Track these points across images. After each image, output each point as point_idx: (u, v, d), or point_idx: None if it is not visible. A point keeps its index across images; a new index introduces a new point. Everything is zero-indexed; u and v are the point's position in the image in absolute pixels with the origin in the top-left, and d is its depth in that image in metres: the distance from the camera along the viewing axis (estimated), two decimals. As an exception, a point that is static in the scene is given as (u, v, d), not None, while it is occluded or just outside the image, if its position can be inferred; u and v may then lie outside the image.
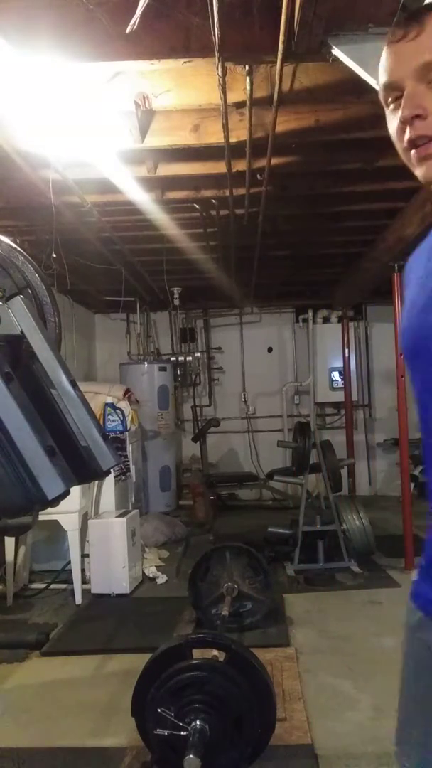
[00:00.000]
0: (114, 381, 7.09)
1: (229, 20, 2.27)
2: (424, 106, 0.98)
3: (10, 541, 4.50)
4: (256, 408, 8.60)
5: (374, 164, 3.75)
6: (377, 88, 1.09)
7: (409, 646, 1.17)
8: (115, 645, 3.86)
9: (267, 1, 2.31)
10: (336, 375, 8.13)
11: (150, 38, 2.41)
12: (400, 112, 1.01)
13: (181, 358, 8.05)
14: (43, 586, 4.79)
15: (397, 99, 1.02)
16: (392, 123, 1.06)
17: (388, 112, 1.07)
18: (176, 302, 7.33)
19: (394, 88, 1.02)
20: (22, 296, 1.61)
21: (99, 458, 1.63)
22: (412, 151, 1.02)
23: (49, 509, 1.45)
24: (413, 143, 1.01)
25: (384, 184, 4.15)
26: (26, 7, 2.34)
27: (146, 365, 7.60)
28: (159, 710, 2.22)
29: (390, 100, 1.04)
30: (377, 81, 1.08)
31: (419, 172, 1.04)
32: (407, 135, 1.01)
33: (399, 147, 1.06)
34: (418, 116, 0.98)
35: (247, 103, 2.97)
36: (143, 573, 5.08)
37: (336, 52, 2.34)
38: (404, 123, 1.00)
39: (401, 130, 1.02)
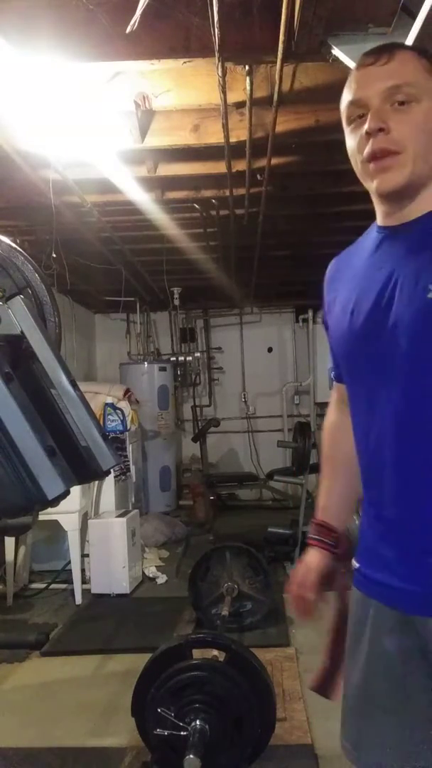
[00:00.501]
0: (114, 381, 7.09)
1: (229, 20, 2.27)
2: (387, 123, 1.08)
3: (10, 541, 4.50)
4: (256, 408, 8.59)
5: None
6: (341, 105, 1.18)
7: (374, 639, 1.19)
8: (115, 645, 3.86)
9: (267, 1, 2.31)
10: (336, 375, 8.13)
11: (150, 38, 2.41)
12: (364, 126, 1.09)
13: (181, 358, 8.05)
14: (43, 586, 4.79)
15: (360, 117, 1.11)
16: (352, 139, 1.14)
17: (348, 129, 1.16)
18: (176, 302, 7.32)
19: (360, 106, 1.11)
20: (22, 296, 1.61)
21: (99, 458, 1.63)
22: (371, 164, 1.10)
23: (49, 509, 1.45)
24: (373, 155, 1.09)
25: (384, 184, 4.15)
26: (26, 7, 2.34)
27: (146, 365, 7.60)
28: (159, 710, 2.22)
29: (353, 117, 1.13)
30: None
31: (373, 184, 1.13)
32: (368, 148, 1.09)
33: (357, 161, 1.15)
34: (381, 129, 1.08)
35: (247, 103, 2.97)
36: (143, 573, 5.08)
37: (336, 52, 2.33)
38: (368, 134, 1.09)
39: (362, 144, 1.11)
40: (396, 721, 1.15)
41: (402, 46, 1.15)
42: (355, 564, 1.26)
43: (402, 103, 1.07)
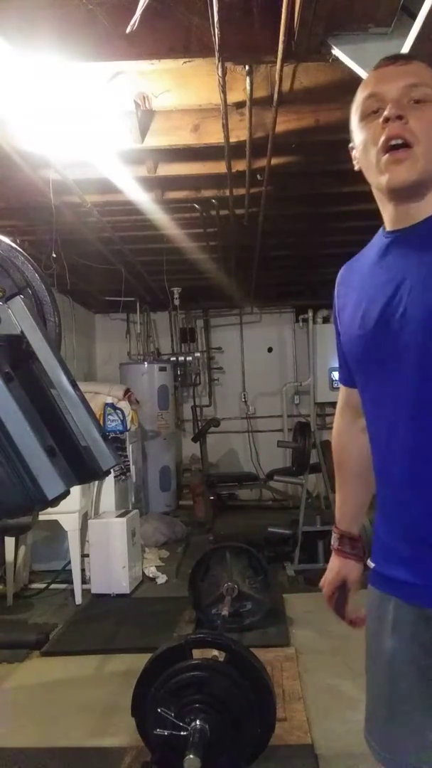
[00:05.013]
0: (114, 381, 7.09)
1: (229, 20, 2.27)
2: (405, 113, 1.12)
3: (10, 541, 4.50)
4: (256, 408, 8.59)
5: (374, 164, 3.75)
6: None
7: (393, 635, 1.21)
8: (115, 645, 3.86)
9: (267, 1, 2.32)
10: (336, 375, 8.13)
11: (150, 38, 2.41)
12: (384, 115, 1.12)
13: (181, 358, 8.05)
14: (43, 586, 4.79)
15: (376, 112, 1.14)
16: (366, 132, 1.16)
17: (362, 124, 1.17)
18: (176, 302, 7.33)
19: (378, 99, 1.14)
20: (22, 296, 1.61)
21: (99, 458, 1.63)
22: (386, 155, 1.12)
23: (49, 509, 1.45)
24: (388, 143, 1.11)
25: (384, 184, 4.15)
26: (26, 7, 2.34)
27: (146, 365, 7.60)
28: (159, 710, 2.22)
29: (369, 111, 1.16)
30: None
31: (384, 178, 1.14)
32: (385, 135, 1.11)
33: (370, 153, 1.16)
34: (399, 117, 1.10)
35: (247, 103, 2.97)
36: (143, 573, 5.08)
37: (336, 52, 2.34)
38: (386, 121, 1.11)
39: (377, 134, 1.13)
40: (424, 716, 1.16)
41: (417, 58, 1.22)
42: (370, 564, 1.28)
43: (418, 101, 1.12)
